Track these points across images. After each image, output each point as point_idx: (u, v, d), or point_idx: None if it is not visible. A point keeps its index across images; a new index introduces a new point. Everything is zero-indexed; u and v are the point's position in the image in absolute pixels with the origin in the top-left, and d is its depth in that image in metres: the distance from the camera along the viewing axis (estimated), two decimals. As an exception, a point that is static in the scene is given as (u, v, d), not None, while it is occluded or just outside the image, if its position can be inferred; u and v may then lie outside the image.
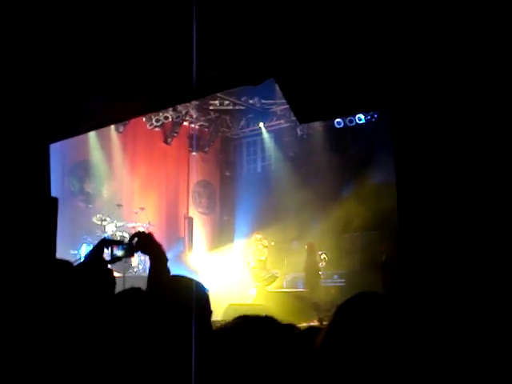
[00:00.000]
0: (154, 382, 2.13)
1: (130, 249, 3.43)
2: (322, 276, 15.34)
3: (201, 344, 2.05)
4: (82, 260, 3.45)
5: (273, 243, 15.31)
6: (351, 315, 1.82)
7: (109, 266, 3.36)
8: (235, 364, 1.52)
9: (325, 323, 2.01)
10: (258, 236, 15.21)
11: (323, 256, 15.43)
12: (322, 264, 15.61)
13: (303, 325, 10.69)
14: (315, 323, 11.08)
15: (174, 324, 2.25)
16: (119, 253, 3.41)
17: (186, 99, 7.08)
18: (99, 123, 6.06)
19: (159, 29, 4.14)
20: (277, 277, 15.00)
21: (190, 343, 2.10)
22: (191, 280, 2.49)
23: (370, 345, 1.68)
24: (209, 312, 2.47)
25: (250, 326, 1.63)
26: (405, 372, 1.65)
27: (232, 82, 5.03)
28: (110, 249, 3.39)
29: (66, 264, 2.83)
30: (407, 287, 3.34)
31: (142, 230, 13.76)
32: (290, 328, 1.76)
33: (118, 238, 13.29)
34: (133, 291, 2.68)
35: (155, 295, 2.46)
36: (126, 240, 3.56)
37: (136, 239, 3.40)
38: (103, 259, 3.32)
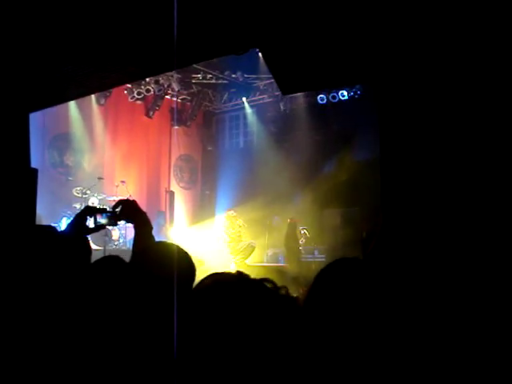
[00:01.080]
0: (136, 344, 2.12)
1: (114, 217, 3.39)
2: (302, 251, 15.42)
3: (184, 308, 2.04)
4: (64, 228, 3.40)
5: (245, 224, 15.36)
6: (331, 278, 1.83)
7: (90, 234, 3.33)
8: (215, 323, 1.50)
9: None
10: (231, 212, 15.27)
11: (304, 232, 15.48)
12: (302, 240, 15.67)
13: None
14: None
15: (159, 289, 2.23)
16: (103, 220, 3.37)
17: (168, 69, 7.00)
18: (79, 92, 5.97)
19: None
20: (254, 246, 15.06)
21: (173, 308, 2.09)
22: (177, 246, 2.47)
23: (349, 306, 1.68)
24: (193, 277, 2.45)
25: (225, 285, 1.62)
26: (380, 333, 1.66)
27: (216, 51, 4.98)
28: (93, 217, 3.35)
29: (47, 229, 2.79)
30: (387, 256, 3.35)
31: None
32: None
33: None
34: (111, 258, 2.66)
35: (139, 260, 2.43)
36: (110, 208, 3.52)
37: (120, 207, 3.36)
38: (86, 227, 3.28)
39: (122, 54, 4.81)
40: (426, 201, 3.56)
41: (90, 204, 13.99)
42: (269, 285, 1.61)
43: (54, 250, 2.48)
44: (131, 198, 12.03)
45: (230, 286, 1.58)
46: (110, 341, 2.15)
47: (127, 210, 3.33)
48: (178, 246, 2.47)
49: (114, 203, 3.42)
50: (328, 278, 1.83)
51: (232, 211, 15.39)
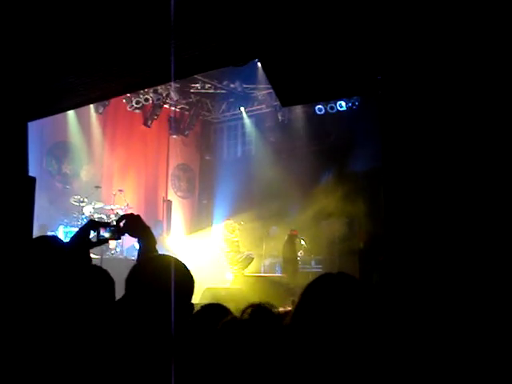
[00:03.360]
0: (134, 352, 2.12)
1: (118, 231, 3.39)
2: (299, 263, 15.40)
3: (181, 324, 2.05)
4: (67, 241, 3.40)
5: (243, 224, 15.31)
6: (316, 294, 1.83)
7: (92, 248, 3.33)
8: (211, 343, 1.51)
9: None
10: (230, 222, 15.21)
11: (302, 243, 15.45)
12: (301, 252, 15.65)
13: (280, 309, 10.73)
14: (291, 308, 11.13)
15: (156, 302, 2.23)
16: (106, 234, 3.37)
17: (167, 79, 7.02)
18: (78, 102, 5.99)
19: (139, 7, 4.08)
20: (252, 258, 15.00)
21: (171, 322, 2.09)
22: (175, 258, 2.47)
23: (334, 322, 1.69)
24: (191, 292, 2.45)
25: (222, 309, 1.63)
26: (366, 349, 1.66)
27: (215, 63, 5.00)
28: (96, 231, 3.35)
29: (49, 239, 2.80)
30: (389, 273, 3.35)
31: (120, 212, 13.70)
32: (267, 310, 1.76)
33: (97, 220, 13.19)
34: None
35: (138, 273, 2.43)
36: (113, 222, 3.52)
37: (124, 221, 3.36)
38: (89, 240, 3.28)
39: (121, 65, 4.83)
40: (428, 210, 3.57)
41: (87, 213, 13.97)
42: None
43: (54, 260, 2.48)
44: (129, 207, 11.97)
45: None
46: (109, 351, 2.15)
47: (131, 225, 3.33)
48: (176, 259, 2.47)
49: (111, 212, 3.43)
50: (313, 294, 1.83)
51: (231, 220, 15.33)
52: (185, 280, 2.37)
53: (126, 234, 3.40)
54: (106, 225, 3.41)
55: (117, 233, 3.39)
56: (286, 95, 4.37)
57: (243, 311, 1.67)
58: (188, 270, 2.47)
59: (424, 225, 3.60)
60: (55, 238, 2.92)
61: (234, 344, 1.55)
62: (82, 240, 3.20)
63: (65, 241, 3.51)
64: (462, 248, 3.39)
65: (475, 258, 3.34)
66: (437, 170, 3.60)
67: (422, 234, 3.59)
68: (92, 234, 3.31)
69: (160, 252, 3.25)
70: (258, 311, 1.65)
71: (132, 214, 3.48)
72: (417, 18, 3.63)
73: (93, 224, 3.35)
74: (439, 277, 3.41)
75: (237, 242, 15.11)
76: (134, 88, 8.20)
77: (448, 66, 3.61)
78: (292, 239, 15.21)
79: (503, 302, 3.18)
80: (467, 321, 3.17)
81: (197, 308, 1.95)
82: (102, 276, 2.69)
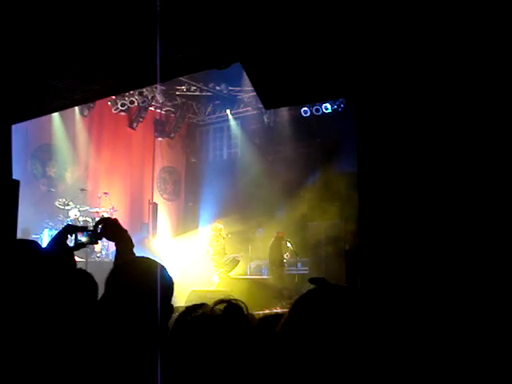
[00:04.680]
0: (118, 358, 2.12)
1: (95, 235, 3.39)
2: (286, 266, 15.43)
3: (162, 325, 2.05)
4: (45, 246, 3.39)
5: (230, 236, 15.22)
6: (309, 306, 1.82)
7: (70, 252, 3.32)
8: (195, 348, 1.51)
9: (285, 310, 2.01)
10: (219, 226, 15.13)
11: (289, 245, 15.46)
12: (287, 255, 15.67)
13: (266, 312, 10.77)
14: (278, 310, 11.14)
15: (138, 303, 2.24)
16: (84, 239, 3.37)
17: (152, 82, 7.01)
18: (62, 104, 5.96)
19: (124, 9, 4.08)
20: (238, 260, 14.99)
21: (152, 324, 2.10)
22: (155, 261, 2.48)
23: (327, 334, 1.68)
24: (171, 294, 2.45)
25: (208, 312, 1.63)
26: (359, 360, 1.66)
27: (198, 66, 5.00)
28: (74, 235, 3.34)
29: (30, 244, 2.79)
30: (365, 276, 3.37)
31: (105, 215, 13.64)
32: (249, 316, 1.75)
33: (81, 223, 13.15)
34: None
35: (118, 274, 2.43)
36: (91, 226, 3.51)
37: (101, 226, 3.36)
38: (67, 245, 3.27)
39: (105, 67, 4.81)
40: (403, 214, 3.59)
41: (73, 216, 13.91)
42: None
43: (35, 265, 2.47)
44: (114, 210, 11.92)
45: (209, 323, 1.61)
46: (90, 353, 2.15)
47: (109, 229, 3.33)
48: (155, 261, 2.47)
49: (96, 214, 3.43)
50: (305, 308, 1.82)
51: (218, 223, 15.25)
52: (164, 282, 2.37)
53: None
54: (83, 229, 3.41)
55: (94, 237, 3.39)
56: (268, 98, 4.38)
57: (213, 306, 1.67)
58: (167, 272, 2.47)
59: (398, 228, 3.62)
60: (34, 242, 2.91)
61: (198, 338, 1.55)
62: (59, 244, 3.19)
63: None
64: (437, 247, 3.42)
65: (450, 258, 3.37)
66: (412, 174, 3.63)
67: (397, 236, 3.62)
68: (70, 239, 3.31)
69: (146, 255, 3.25)
70: (229, 308, 1.65)
71: (109, 218, 3.50)
72: (398, 21, 3.66)
73: (70, 229, 3.35)
74: (415, 275, 3.43)
75: (223, 245, 15.08)
76: (119, 90, 8.18)
77: (426, 70, 3.64)
78: (278, 241, 15.23)
79: (489, 302, 3.20)
80: (453, 322, 3.19)
81: (182, 310, 1.95)
82: (85, 279, 2.68)
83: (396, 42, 3.68)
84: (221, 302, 1.68)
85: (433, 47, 3.57)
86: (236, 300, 1.69)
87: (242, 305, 1.68)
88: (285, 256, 15.53)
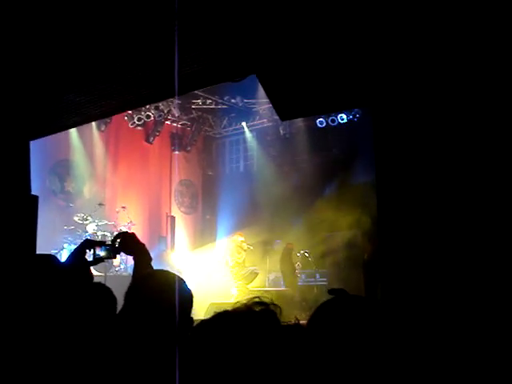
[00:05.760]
0: (136, 372, 2.12)
1: (113, 250, 3.40)
2: (298, 276, 15.40)
3: (182, 338, 2.04)
4: (64, 260, 3.41)
5: (251, 247, 15.16)
6: (329, 316, 1.81)
7: (89, 267, 3.33)
8: (216, 357, 1.50)
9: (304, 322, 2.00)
10: (240, 238, 15.05)
11: (305, 255, 15.40)
12: (298, 264, 15.64)
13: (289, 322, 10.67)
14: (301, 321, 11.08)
15: (156, 318, 2.24)
16: (102, 253, 3.39)
17: (168, 96, 7.05)
18: (80, 120, 6.01)
19: (141, 25, 4.11)
20: (257, 273, 14.96)
21: (172, 337, 2.09)
22: (174, 274, 2.48)
23: (345, 344, 1.67)
24: (190, 306, 2.46)
25: (230, 319, 1.61)
26: (379, 370, 1.65)
27: (213, 79, 5.02)
28: (92, 250, 3.36)
29: (48, 258, 2.81)
30: (386, 286, 3.35)
31: (123, 229, 13.69)
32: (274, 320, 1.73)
33: (100, 238, 13.21)
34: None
35: (138, 287, 2.43)
36: (109, 240, 3.53)
37: (119, 240, 3.37)
38: (86, 260, 3.29)
39: (122, 82, 4.85)
40: (423, 222, 3.57)
41: (91, 230, 13.98)
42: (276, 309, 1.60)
43: (53, 280, 2.48)
44: (132, 224, 11.97)
45: (232, 318, 1.58)
46: (111, 370, 2.15)
47: (126, 243, 3.34)
48: (174, 274, 2.47)
49: (114, 229, 3.45)
50: (324, 319, 1.81)
51: (238, 235, 15.17)
52: (183, 295, 2.37)
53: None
54: (101, 244, 3.43)
55: (112, 251, 3.40)
56: (284, 109, 4.39)
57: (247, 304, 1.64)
58: (185, 284, 2.47)
59: (418, 236, 3.60)
60: (53, 256, 2.93)
61: (224, 336, 1.53)
62: (78, 259, 3.21)
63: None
64: (457, 257, 3.39)
65: (469, 265, 3.33)
66: (430, 182, 3.60)
67: (416, 244, 3.59)
68: (88, 253, 3.32)
69: (164, 268, 3.25)
70: (258, 305, 1.62)
71: (127, 232, 3.51)
72: (415, 30, 3.65)
73: (88, 243, 3.37)
74: (436, 286, 3.40)
75: (243, 257, 15.05)
76: (135, 105, 8.24)
77: (441, 80, 3.63)
78: (288, 252, 15.22)
79: (502, 306, 3.17)
80: (467, 327, 3.16)
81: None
82: (103, 293, 2.69)
83: (413, 51, 3.68)
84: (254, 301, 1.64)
85: (451, 54, 3.56)
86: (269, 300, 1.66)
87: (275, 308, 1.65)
88: (296, 266, 15.51)
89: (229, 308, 1.67)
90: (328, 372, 1.59)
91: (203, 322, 1.63)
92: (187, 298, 2.43)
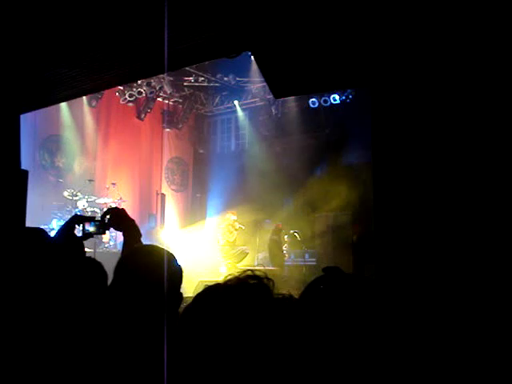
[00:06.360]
0: (124, 349, 2.12)
1: (102, 225, 3.39)
2: (285, 255, 15.52)
3: (172, 311, 2.04)
4: (53, 235, 3.39)
5: (243, 227, 15.16)
6: (322, 292, 1.81)
7: (78, 242, 3.32)
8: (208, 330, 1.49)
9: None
10: (232, 217, 15.03)
11: (296, 234, 15.46)
12: (285, 246, 15.74)
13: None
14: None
15: (147, 291, 2.24)
16: (91, 229, 3.37)
17: (160, 71, 6.99)
18: (70, 94, 5.96)
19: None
20: (247, 253, 15.01)
21: (161, 310, 2.09)
22: (163, 249, 2.47)
23: (339, 321, 1.67)
24: (179, 282, 2.45)
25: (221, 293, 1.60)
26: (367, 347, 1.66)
27: (208, 54, 4.98)
28: (81, 225, 3.35)
29: (38, 232, 2.79)
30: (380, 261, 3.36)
31: (113, 205, 13.66)
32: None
33: (89, 214, 13.19)
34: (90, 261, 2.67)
35: (127, 262, 2.43)
36: (98, 216, 3.51)
37: (108, 216, 3.35)
38: (75, 235, 3.28)
39: (113, 56, 4.80)
40: (418, 204, 3.58)
41: (81, 206, 13.94)
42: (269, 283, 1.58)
43: (43, 252, 2.47)
44: (122, 201, 11.91)
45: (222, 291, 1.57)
46: (101, 343, 2.15)
47: (116, 219, 3.32)
48: (164, 249, 2.46)
49: (104, 205, 3.43)
50: (314, 295, 1.81)
51: (231, 214, 15.13)
52: (173, 270, 2.37)
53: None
54: (90, 219, 3.41)
55: (102, 227, 3.39)
56: (278, 87, 4.36)
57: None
58: (175, 260, 2.46)
59: (413, 217, 3.61)
60: (43, 230, 2.92)
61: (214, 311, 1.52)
62: (67, 234, 3.20)
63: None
64: (452, 240, 3.40)
65: (465, 250, 3.35)
66: (427, 164, 3.61)
67: (412, 226, 3.60)
68: (77, 229, 3.31)
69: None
70: (251, 279, 1.60)
71: (116, 208, 3.49)
72: (410, 12, 3.63)
73: (77, 219, 3.35)
74: (431, 269, 3.42)
75: (235, 236, 15.05)
76: (126, 80, 8.17)
77: (440, 61, 3.61)
78: (276, 232, 15.29)
79: (497, 296, 3.19)
80: (461, 313, 3.18)
81: (190, 300, 1.94)
82: (94, 267, 2.68)
83: (412, 30, 3.66)
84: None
85: (450, 34, 3.54)
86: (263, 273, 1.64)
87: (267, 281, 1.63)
88: (283, 248, 15.60)
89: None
90: (323, 344, 1.59)
91: (196, 296, 1.62)
92: (177, 273, 2.42)
